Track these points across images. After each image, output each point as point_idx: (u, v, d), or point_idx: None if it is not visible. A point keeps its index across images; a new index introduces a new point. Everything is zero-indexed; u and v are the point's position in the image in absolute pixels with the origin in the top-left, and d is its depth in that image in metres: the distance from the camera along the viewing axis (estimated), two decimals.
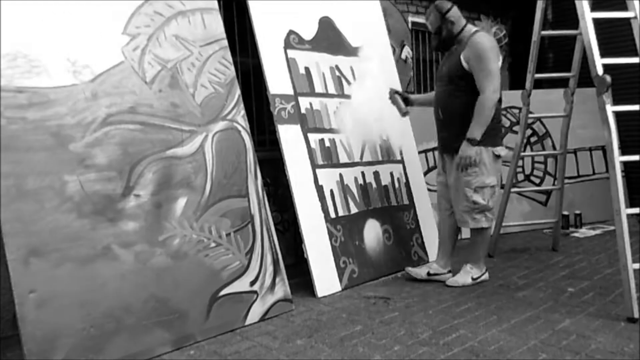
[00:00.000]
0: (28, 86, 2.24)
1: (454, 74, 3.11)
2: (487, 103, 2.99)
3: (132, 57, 2.59)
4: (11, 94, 2.19)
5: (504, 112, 4.90)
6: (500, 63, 3.06)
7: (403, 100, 3.51)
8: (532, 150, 4.99)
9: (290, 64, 3.37)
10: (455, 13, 3.16)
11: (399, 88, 3.99)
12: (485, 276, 3.31)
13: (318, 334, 2.54)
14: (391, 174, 3.80)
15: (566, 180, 4.26)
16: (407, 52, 5.02)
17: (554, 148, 4.95)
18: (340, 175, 3.46)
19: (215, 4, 3.02)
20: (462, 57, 3.06)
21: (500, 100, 3.12)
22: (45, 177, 2.21)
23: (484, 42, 3.03)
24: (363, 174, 3.60)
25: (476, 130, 3.02)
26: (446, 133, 3.24)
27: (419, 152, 4.33)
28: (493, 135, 3.11)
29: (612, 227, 4.45)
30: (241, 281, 2.70)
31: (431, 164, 4.63)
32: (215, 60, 2.92)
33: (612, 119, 2.63)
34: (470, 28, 3.15)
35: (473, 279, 3.24)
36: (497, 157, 3.15)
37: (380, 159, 3.76)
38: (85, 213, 2.28)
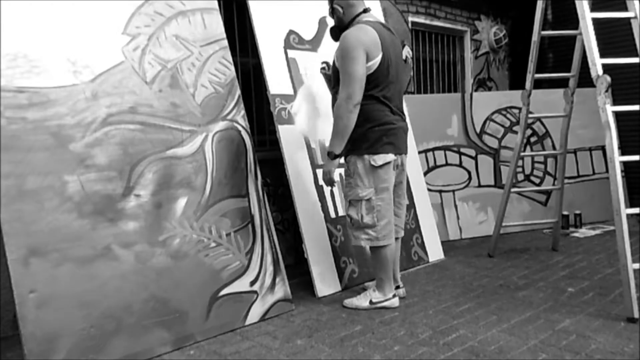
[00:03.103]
0: (28, 86, 2.24)
1: (334, 74, 2.73)
2: (338, 110, 2.59)
3: (132, 57, 2.59)
4: (11, 94, 2.19)
5: (504, 112, 4.92)
6: (377, 60, 2.58)
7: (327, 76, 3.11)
8: (532, 150, 4.99)
9: (290, 64, 3.37)
10: (343, 2, 2.70)
11: None
12: (390, 303, 2.85)
13: (318, 334, 2.54)
14: None
15: (566, 180, 4.26)
16: (407, 52, 5.01)
17: (554, 148, 4.95)
18: (340, 175, 3.46)
19: (215, 4, 3.02)
20: (334, 57, 2.69)
21: (381, 100, 2.66)
22: (46, 177, 2.21)
23: (349, 37, 2.57)
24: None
25: (334, 142, 2.62)
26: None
27: (419, 152, 4.34)
28: (370, 142, 2.65)
29: (612, 227, 4.46)
30: (241, 281, 2.70)
31: (431, 164, 4.64)
32: (215, 60, 2.92)
33: (612, 119, 2.64)
34: (361, 20, 2.68)
35: (371, 302, 2.84)
36: (374, 167, 2.66)
37: None
38: (85, 213, 2.28)
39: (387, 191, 2.75)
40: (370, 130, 2.66)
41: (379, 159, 2.67)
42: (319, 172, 3.31)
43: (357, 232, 2.78)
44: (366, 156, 2.67)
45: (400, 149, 2.79)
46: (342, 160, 2.81)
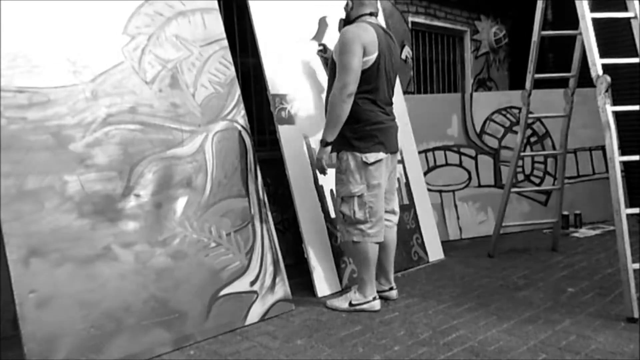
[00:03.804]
0: (28, 86, 2.24)
1: (331, 67, 2.82)
2: (332, 99, 2.65)
3: (132, 57, 2.59)
4: (11, 94, 2.19)
5: (504, 112, 4.92)
6: (372, 57, 2.65)
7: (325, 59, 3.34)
8: (532, 150, 4.99)
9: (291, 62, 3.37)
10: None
11: (399, 90, 3.99)
12: (370, 305, 2.82)
13: (318, 334, 2.54)
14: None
15: (566, 180, 4.26)
16: (407, 52, 5.02)
17: (554, 148, 4.96)
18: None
19: (215, 4, 3.02)
20: (333, 49, 2.81)
21: (372, 100, 2.73)
22: (46, 177, 2.21)
23: (349, 32, 2.66)
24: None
25: (326, 131, 2.70)
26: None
27: (419, 152, 4.33)
28: (362, 140, 2.71)
29: (612, 227, 4.46)
30: (241, 281, 2.70)
31: (431, 164, 4.64)
32: (215, 60, 2.92)
33: (612, 119, 2.64)
34: (365, 20, 2.76)
35: (351, 304, 2.82)
36: (366, 163, 2.71)
37: None
38: (85, 213, 2.28)
39: (379, 188, 2.79)
40: (362, 129, 2.72)
41: (371, 157, 2.73)
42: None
43: (350, 227, 2.80)
44: (358, 153, 2.72)
45: (391, 148, 2.85)
46: (333, 160, 2.86)
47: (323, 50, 3.39)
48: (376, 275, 2.94)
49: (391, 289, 3.05)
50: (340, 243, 3.12)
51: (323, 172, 2.84)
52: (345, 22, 2.87)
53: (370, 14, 2.81)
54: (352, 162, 2.74)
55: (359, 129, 2.72)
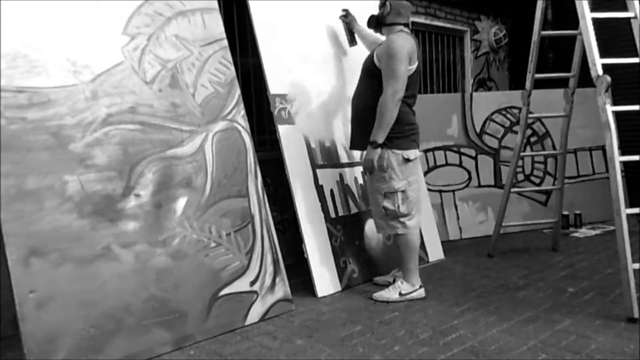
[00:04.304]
0: (28, 86, 2.24)
1: (367, 69, 3.05)
2: (384, 104, 2.85)
3: (132, 57, 2.59)
4: (11, 94, 2.19)
5: (504, 112, 4.92)
6: (414, 67, 2.92)
7: (349, 32, 3.59)
8: (532, 150, 4.99)
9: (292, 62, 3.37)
10: (397, 5, 3.02)
11: None
12: (418, 293, 3.02)
13: (318, 334, 2.54)
14: None
15: (566, 180, 4.26)
16: None
17: (554, 148, 4.95)
18: (340, 175, 3.46)
19: (215, 4, 3.02)
20: (375, 54, 2.99)
21: (408, 104, 2.98)
22: (45, 177, 2.21)
23: (397, 41, 2.88)
24: (363, 174, 3.59)
25: (377, 133, 2.89)
26: (354, 129, 3.17)
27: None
28: (402, 139, 2.94)
29: (612, 227, 4.46)
30: (241, 281, 2.70)
31: (431, 164, 4.64)
32: (215, 60, 2.92)
33: (612, 119, 2.64)
34: (400, 29, 3.00)
35: (401, 294, 2.99)
36: (407, 160, 2.95)
37: None
38: (85, 213, 2.28)
39: (417, 183, 3.08)
40: (402, 130, 2.95)
41: (411, 154, 2.98)
42: (319, 172, 3.31)
43: (393, 221, 3.01)
44: (398, 151, 2.94)
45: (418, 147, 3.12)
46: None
47: (345, 15, 3.59)
48: (399, 269, 3.16)
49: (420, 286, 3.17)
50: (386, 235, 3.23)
51: (372, 171, 2.99)
52: (378, 22, 3.10)
53: (405, 25, 3.05)
54: (394, 159, 2.94)
55: (400, 129, 2.93)
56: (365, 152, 3.01)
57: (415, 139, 3.04)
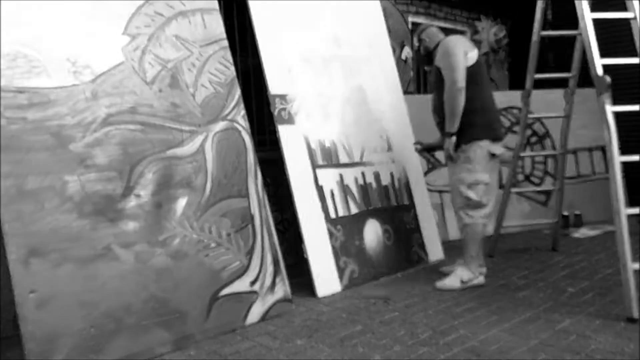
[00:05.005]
0: (28, 86, 2.24)
1: (436, 78, 3.24)
2: (447, 96, 3.06)
3: (132, 57, 2.59)
4: (11, 94, 2.19)
5: (504, 112, 4.91)
6: (473, 56, 3.10)
7: (427, 150, 3.74)
8: (532, 150, 4.98)
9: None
10: (428, 33, 3.39)
11: (399, 90, 4.00)
12: (479, 280, 3.20)
13: (318, 334, 2.54)
14: (391, 174, 3.80)
15: (566, 180, 4.26)
16: (407, 52, 5.02)
17: (554, 148, 4.95)
18: (340, 175, 3.46)
19: (216, 4, 3.02)
20: (435, 63, 3.23)
21: (480, 98, 3.12)
22: (46, 177, 2.21)
23: (447, 42, 3.16)
24: (363, 174, 3.60)
25: (449, 123, 3.10)
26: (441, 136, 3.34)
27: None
28: (485, 129, 3.11)
29: (612, 227, 4.45)
30: (241, 281, 2.70)
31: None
32: (215, 60, 2.92)
33: (612, 119, 2.64)
34: (444, 39, 3.25)
35: (462, 281, 3.16)
36: (493, 155, 3.14)
37: (380, 159, 3.76)
38: (85, 213, 2.28)
39: (494, 177, 3.25)
40: (485, 123, 3.12)
41: (497, 149, 3.15)
42: (319, 172, 3.31)
43: (473, 211, 3.16)
44: (484, 143, 3.09)
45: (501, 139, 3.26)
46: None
47: (419, 147, 3.75)
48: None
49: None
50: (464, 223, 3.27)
51: (451, 159, 3.17)
52: (428, 54, 3.37)
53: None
54: (480, 153, 3.10)
55: (481, 123, 3.10)
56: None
57: (499, 133, 3.19)
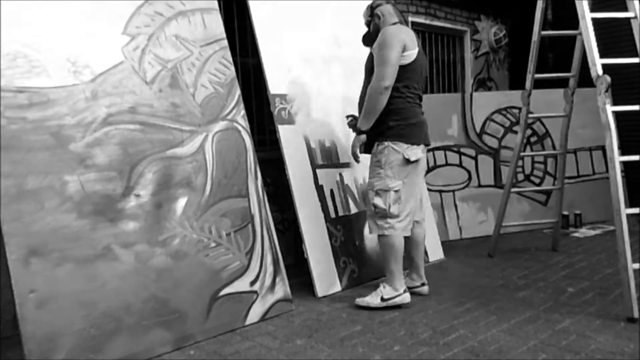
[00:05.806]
0: (28, 86, 2.24)
1: (368, 68, 2.92)
2: (371, 91, 2.76)
3: (132, 57, 2.59)
4: (11, 94, 2.19)
5: (504, 112, 4.92)
6: (411, 54, 2.77)
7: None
8: (532, 150, 4.99)
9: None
10: (384, 9, 2.95)
11: None
12: (402, 298, 2.85)
13: (318, 334, 2.54)
14: None
15: (566, 180, 4.26)
16: None
17: (554, 148, 4.95)
18: (340, 175, 3.46)
19: (216, 4, 3.02)
20: (371, 49, 2.89)
21: (407, 96, 2.82)
22: (46, 177, 2.21)
23: (388, 32, 2.78)
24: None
25: (362, 120, 2.84)
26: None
27: None
28: (403, 131, 2.80)
29: (612, 227, 4.46)
30: (241, 281, 2.70)
31: (431, 164, 4.64)
32: (215, 60, 2.92)
33: (612, 119, 2.64)
34: (394, 21, 2.93)
35: (383, 299, 2.83)
36: (407, 161, 2.79)
37: None
38: (85, 213, 2.28)
39: (413, 185, 2.89)
40: (403, 124, 2.81)
41: (412, 155, 2.81)
42: (319, 172, 3.31)
43: (381, 221, 2.84)
44: (399, 149, 2.79)
45: (424, 143, 2.94)
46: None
47: (352, 120, 3.22)
48: (408, 272, 3.08)
49: (423, 284, 3.10)
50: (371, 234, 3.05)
51: (356, 159, 2.95)
52: (376, 32, 2.90)
53: (400, 22, 2.93)
54: (393, 157, 2.80)
55: (397, 121, 2.80)
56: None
57: (421, 137, 2.87)
